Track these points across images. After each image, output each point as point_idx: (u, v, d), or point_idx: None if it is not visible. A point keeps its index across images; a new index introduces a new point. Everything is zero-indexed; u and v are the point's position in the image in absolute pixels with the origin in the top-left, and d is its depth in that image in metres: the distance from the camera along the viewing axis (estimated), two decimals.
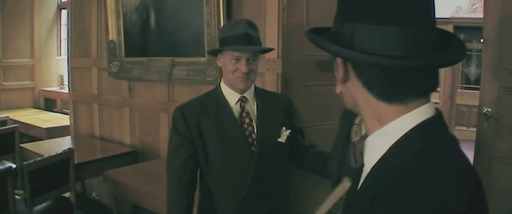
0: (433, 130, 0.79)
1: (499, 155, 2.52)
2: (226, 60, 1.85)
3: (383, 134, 0.81)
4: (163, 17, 3.49)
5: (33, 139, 4.78)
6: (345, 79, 0.84)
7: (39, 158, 2.91)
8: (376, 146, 0.82)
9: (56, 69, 6.29)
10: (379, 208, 0.76)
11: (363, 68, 0.81)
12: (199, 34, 3.19)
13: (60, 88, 6.28)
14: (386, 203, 0.75)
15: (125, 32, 3.83)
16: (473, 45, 7.81)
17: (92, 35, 4.29)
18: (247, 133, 1.91)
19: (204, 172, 1.95)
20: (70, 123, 4.75)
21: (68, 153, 3.11)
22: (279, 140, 1.94)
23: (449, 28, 7.32)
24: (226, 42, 1.84)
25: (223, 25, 2.03)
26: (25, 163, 2.77)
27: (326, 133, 2.13)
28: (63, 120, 5.32)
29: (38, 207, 2.95)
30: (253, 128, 1.93)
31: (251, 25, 1.87)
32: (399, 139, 0.79)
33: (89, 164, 3.50)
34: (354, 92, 0.85)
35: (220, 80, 1.97)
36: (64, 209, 3.17)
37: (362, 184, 0.84)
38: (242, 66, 1.81)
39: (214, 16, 2.98)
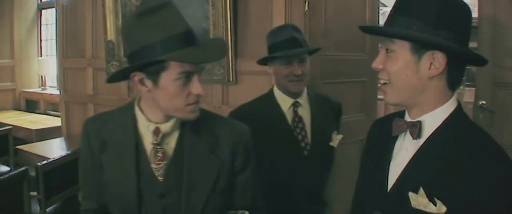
0: (463, 111, 1.09)
1: None
2: (277, 66, 1.87)
3: (438, 112, 1.07)
4: None
5: (22, 141, 4.71)
6: (441, 72, 1.03)
7: (52, 159, 2.93)
8: (433, 120, 1.07)
9: (37, 70, 6.18)
10: (452, 164, 1.00)
11: (460, 64, 1.05)
12: (204, 35, 3.27)
13: (42, 89, 6.17)
14: (461, 161, 0.99)
15: None
16: None
17: (86, 35, 4.28)
18: (299, 137, 1.91)
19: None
20: (62, 124, 4.71)
21: (78, 152, 3.13)
22: (330, 144, 1.93)
23: None
24: (274, 48, 1.87)
25: (269, 32, 1.99)
26: (40, 164, 2.78)
27: (343, 126, 2.25)
28: (50, 121, 5.25)
29: (49, 208, 2.97)
30: (306, 132, 1.92)
31: (296, 29, 1.91)
32: (449, 115, 1.07)
33: None
34: (429, 82, 1.05)
35: (273, 86, 1.98)
36: (73, 209, 3.20)
37: (423, 148, 1.07)
38: (294, 69, 1.83)
39: (222, 18, 3.08)
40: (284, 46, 1.84)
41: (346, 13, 2.83)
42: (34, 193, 2.93)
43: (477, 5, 2.81)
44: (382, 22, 4.90)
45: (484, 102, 2.78)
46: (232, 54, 3.13)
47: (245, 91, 3.17)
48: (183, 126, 1.32)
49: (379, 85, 4.85)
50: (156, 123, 1.29)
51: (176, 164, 1.31)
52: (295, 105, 1.93)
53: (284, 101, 1.93)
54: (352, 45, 2.40)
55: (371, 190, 1.19)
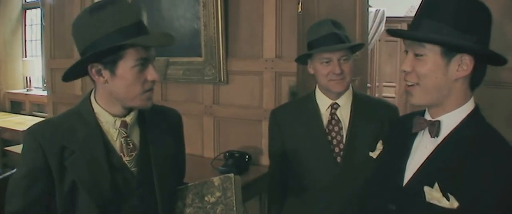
0: (480, 112, 1.16)
1: None
2: (316, 65, 1.77)
3: (457, 112, 1.13)
4: (156, 18, 3.54)
5: (9, 143, 4.66)
6: (468, 73, 1.09)
7: None
8: (451, 120, 1.13)
9: (22, 71, 6.08)
10: (467, 163, 1.06)
11: (483, 66, 1.11)
12: (195, 35, 3.27)
13: (27, 90, 6.08)
14: (475, 161, 1.05)
15: None
16: None
17: None
18: (334, 142, 1.78)
19: (290, 177, 1.91)
20: None
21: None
22: (371, 154, 1.67)
23: (403, 26, 7.66)
24: (313, 45, 1.76)
25: (309, 29, 1.87)
26: None
27: None
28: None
29: None
30: (342, 137, 1.78)
31: (336, 24, 1.77)
32: (467, 115, 1.12)
33: None
34: (455, 83, 1.11)
35: (316, 86, 1.89)
36: None
37: (441, 146, 1.13)
38: (334, 67, 1.71)
39: (213, 18, 3.09)
40: (323, 42, 1.72)
41: (338, 14, 2.86)
42: None
43: None
44: (369, 22, 4.95)
45: None
46: (223, 54, 3.14)
47: (236, 91, 3.19)
48: (140, 115, 1.40)
49: (368, 85, 4.92)
50: (119, 117, 1.35)
51: (144, 152, 1.38)
52: (334, 106, 1.81)
53: (323, 102, 1.83)
54: None
55: (387, 184, 1.24)
